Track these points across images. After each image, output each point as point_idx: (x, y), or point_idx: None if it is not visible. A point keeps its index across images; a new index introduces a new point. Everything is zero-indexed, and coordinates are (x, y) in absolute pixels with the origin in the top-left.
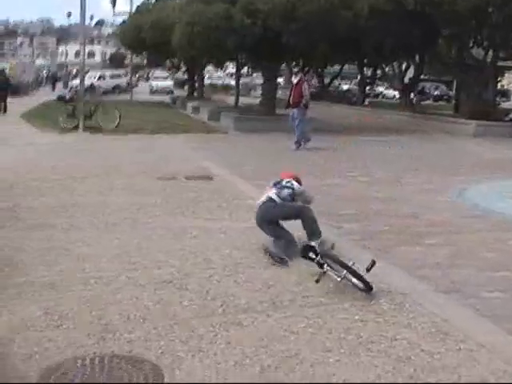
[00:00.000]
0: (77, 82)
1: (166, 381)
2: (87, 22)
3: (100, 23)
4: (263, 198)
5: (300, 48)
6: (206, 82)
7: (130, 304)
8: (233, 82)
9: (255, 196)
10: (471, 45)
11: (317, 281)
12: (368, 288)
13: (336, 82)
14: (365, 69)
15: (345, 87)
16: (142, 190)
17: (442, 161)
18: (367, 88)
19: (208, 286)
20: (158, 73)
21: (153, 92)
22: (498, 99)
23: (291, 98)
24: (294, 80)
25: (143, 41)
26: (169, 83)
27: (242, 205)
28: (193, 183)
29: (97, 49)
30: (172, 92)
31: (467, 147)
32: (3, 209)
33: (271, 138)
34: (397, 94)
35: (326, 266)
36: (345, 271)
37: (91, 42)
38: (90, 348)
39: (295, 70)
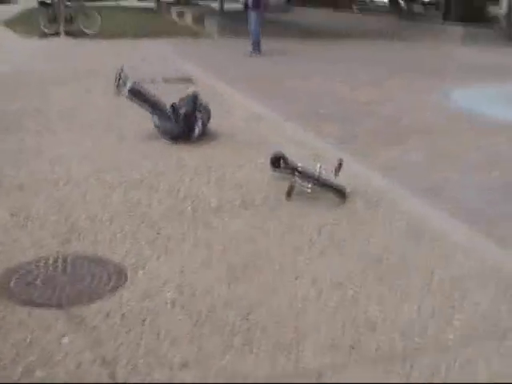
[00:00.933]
0: None
1: (128, 280)
2: None
3: None
4: None
5: None
6: None
7: (98, 205)
8: None
9: (235, 98)
10: None
11: (288, 193)
12: (340, 193)
13: None
14: None
15: None
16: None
17: (428, 64)
18: None
19: (179, 185)
20: None
21: None
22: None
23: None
24: None
25: None
26: None
27: (221, 106)
28: (171, 86)
29: None
30: None
31: (455, 52)
32: None
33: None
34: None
35: (294, 178)
36: (310, 184)
37: None
38: (54, 248)
39: None
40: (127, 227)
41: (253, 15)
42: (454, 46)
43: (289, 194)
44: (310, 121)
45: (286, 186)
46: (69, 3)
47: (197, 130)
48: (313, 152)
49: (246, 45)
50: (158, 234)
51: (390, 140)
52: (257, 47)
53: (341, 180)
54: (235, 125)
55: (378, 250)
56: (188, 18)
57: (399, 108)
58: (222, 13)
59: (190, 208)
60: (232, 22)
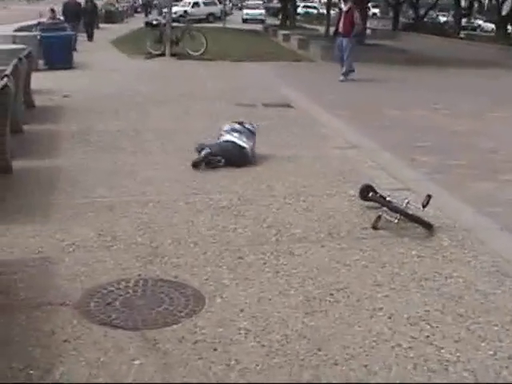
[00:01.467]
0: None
1: (205, 306)
2: None
3: None
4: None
5: None
6: (301, 10)
7: (184, 228)
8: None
9: (331, 125)
10: None
11: (373, 227)
12: (427, 227)
13: (433, 14)
14: (462, 0)
15: (442, 19)
16: (218, 115)
17: None
18: (464, 20)
19: (266, 213)
20: (251, 1)
21: (244, 20)
22: None
23: (341, 27)
24: (344, 7)
25: None
26: (261, 11)
27: (316, 133)
28: (270, 110)
29: None
30: (263, 21)
31: None
32: (77, 131)
33: (359, 67)
34: (494, 27)
35: (382, 209)
36: (398, 215)
37: None
38: (136, 271)
39: None
40: (210, 252)
41: (344, 42)
42: None
43: (375, 225)
44: (405, 151)
45: (373, 216)
46: (175, 24)
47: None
48: (404, 183)
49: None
50: (239, 260)
51: (485, 174)
52: (348, 75)
53: (429, 213)
54: (329, 152)
55: (459, 288)
56: (293, 42)
57: (499, 141)
58: (327, 37)
59: (274, 237)
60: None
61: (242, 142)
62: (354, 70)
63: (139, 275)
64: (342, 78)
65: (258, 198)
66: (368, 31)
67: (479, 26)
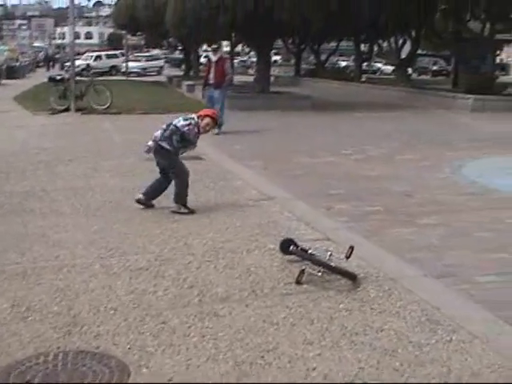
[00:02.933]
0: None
1: (130, 380)
2: (85, 2)
3: (98, 4)
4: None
5: (293, 24)
6: (204, 60)
7: (102, 294)
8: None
9: (243, 177)
10: (468, 18)
11: (297, 282)
12: (352, 278)
13: (334, 59)
14: (361, 45)
15: (342, 64)
16: (129, 171)
17: (438, 136)
18: (364, 64)
19: (186, 273)
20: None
21: (127, 74)
22: (496, 73)
23: (212, 78)
24: (214, 57)
25: (137, 21)
26: (155, 63)
27: (229, 186)
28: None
29: (94, 30)
30: (159, 72)
31: (465, 122)
32: None
33: (265, 115)
34: (394, 69)
35: (304, 263)
36: (321, 269)
37: (89, 23)
38: (54, 343)
39: (214, 46)
40: (131, 319)
41: (216, 94)
42: (463, 116)
43: (299, 279)
44: (320, 200)
45: (296, 271)
46: (79, 78)
47: None
48: (323, 233)
49: (257, 119)
50: (163, 325)
51: (402, 220)
52: (221, 128)
53: (352, 264)
54: (245, 205)
55: (392, 341)
56: (198, 92)
57: (411, 184)
58: (232, 86)
59: (196, 298)
60: (241, 97)
61: None
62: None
63: (58, 348)
64: (216, 130)
65: (176, 256)
66: (271, 78)
67: (379, 69)
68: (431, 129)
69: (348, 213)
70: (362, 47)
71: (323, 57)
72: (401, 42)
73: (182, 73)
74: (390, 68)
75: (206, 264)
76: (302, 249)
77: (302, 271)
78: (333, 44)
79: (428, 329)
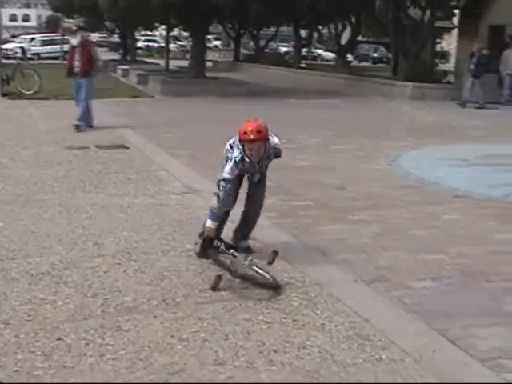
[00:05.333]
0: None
1: None
2: None
3: None
4: None
5: (229, 7)
6: (142, 45)
7: None
8: (172, 45)
9: (168, 167)
10: (408, 5)
11: (213, 288)
12: (275, 288)
13: (274, 45)
14: (302, 31)
15: (283, 49)
16: (47, 161)
17: (375, 125)
18: (304, 50)
19: (92, 278)
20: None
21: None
22: (436, 61)
23: (78, 65)
24: (74, 41)
25: (73, 3)
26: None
27: (152, 177)
28: (104, 153)
29: (32, 12)
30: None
31: (403, 110)
32: None
33: (199, 101)
34: (334, 55)
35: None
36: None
37: (28, 5)
38: None
39: (73, 28)
40: (23, 334)
41: (83, 84)
42: (402, 104)
43: (215, 286)
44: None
45: (213, 276)
46: (5, 61)
47: None
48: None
49: (187, 105)
50: (58, 342)
51: (334, 215)
52: (85, 121)
53: (277, 267)
54: (166, 199)
55: (314, 361)
56: (132, 77)
57: (345, 176)
58: (168, 71)
59: (100, 308)
60: (175, 82)
61: None
62: (91, 117)
63: None
64: (77, 123)
65: (83, 259)
66: (210, 64)
67: (319, 55)
68: (369, 117)
69: (276, 208)
70: (303, 33)
71: (263, 42)
72: (341, 28)
73: (118, 57)
74: (330, 54)
75: (115, 268)
76: (221, 250)
77: (219, 276)
78: (273, 29)
79: (356, 345)
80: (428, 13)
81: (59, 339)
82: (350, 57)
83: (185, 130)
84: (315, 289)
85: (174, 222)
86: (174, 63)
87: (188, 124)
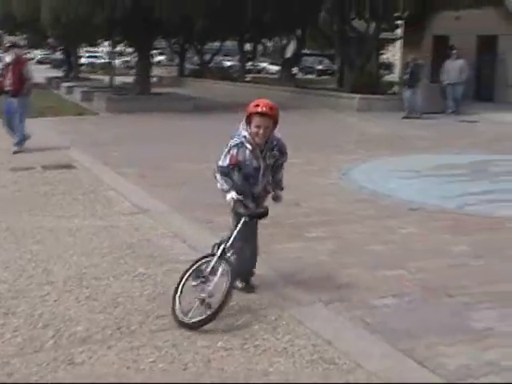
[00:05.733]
0: None
1: None
2: None
3: None
4: None
5: (173, 23)
6: (86, 61)
7: None
8: (117, 61)
9: (117, 187)
10: (353, 17)
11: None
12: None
13: (219, 59)
14: (247, 45)
15: (228, 63)
16: None
17: (324, 138)
18: (249, 64)
19: (42, 307)
20: None
21: None
22: (381, 72)
23: (9, 84)
24: (7, 58)
25: (14, 19)
26: None
27: (101, 198)
28: (50, 173)
29: None
30: None
31: (351, 122)
32: None
33: (145, 118)
34: (278, 69)
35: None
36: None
37: None
38: None
39: (7, 44)
40: None
41: (15, 103)
42: (349, 116)
43: (174, 310)
44: (199, 211)
45: (168, 300)
46: None
47: None
48: (202, 253)
49: (133, 121)
50: (5, 378)
51: (289, 232)
52: (22, 144)
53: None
54: (116, 220)
55: None
56: (77, 94)
57: (298, 191)
58: (112, 87)
59: (51, 340)
60: (120, 99)
61: None
62: (28, 137)
63: None
64: (15, 148)
65: (32, 286)
66: (155, 79)
67: (264, 68)
68: (317, 130)
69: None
70: (248, 47)
71: (208, 57)
72: (285, 41)
73: (62, 74)
74: (275, 68)
75: (65, 295)
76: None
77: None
78: (217, 43)
79: (321, 369)
80: (373, 24)
81: (9, 374)
82: (294, 70)
83: (132, 148)
84: (275, 311)
85: (124, 245)
86: (119, 79)
87: (135, 141)
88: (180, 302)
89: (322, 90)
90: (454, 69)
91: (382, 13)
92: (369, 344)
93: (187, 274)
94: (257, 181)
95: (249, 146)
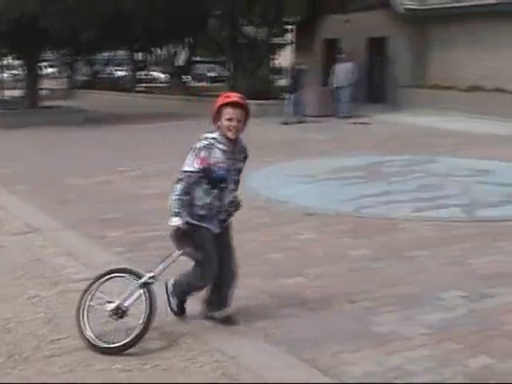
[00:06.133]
0: None
1: None
2: None
3: None
4: None
5: (61, 34)
6: None
7: None
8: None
9: (7, 205)
10: (243, 23)
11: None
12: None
13: (111, 69)
14: (139, 54)
15: (120, 74)
16: None
17: None
18: (142, 73)
19: None
20: None
21: None
22: (273, 77)
23: None
24: None
25: None
26: None
27: None
28: None
29: None
30: None
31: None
32: None
33: (35, 133)
34: (165, 76)
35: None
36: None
37: None
38: None
39: None
40: None
41: None
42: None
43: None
44: (92, 227)
45: (67, 322)
46: None
47: None
48: (97, 270)
49: (23, 137)
50: None
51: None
52: None
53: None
54: (6, 241)
55: None
56: None
57: None
58: (0, 102)
59: None
60: (6, 114)
61: None
62: None
63: None
64: None
65: None
66: (45, 92)
67: (155, 77)
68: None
69: (124, 241)
70: (140, 56)
71: (99, 67)
72: (176, 49)
73: None
74: (167, 76)
75: None
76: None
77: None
78: (108, 53)
79: None
80: (263, 30)
81: None
82: (187, 77)
83: (22, 164)
84: (175, 329)
85: (16, 266)
86: (7, 93)
87: (25, 157)
88: (89, 325)
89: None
90: (342, 72)
91: (273, 18)
92: (272, 356)
93: (90, 294)
94: (226, 187)
95: (220, 145)
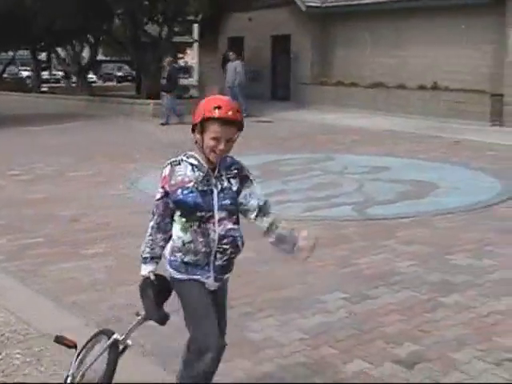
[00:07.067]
0: None
1: None
2: None
3: None
4: None
5: None
6: None
7: None
8: None
9: None
10: (146, 21)
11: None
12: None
13: (15, 69)
14: (42, 53)
15: (25, 74)
16: None
17: (116, 147)
18: (46, 73)
19: None
20: None
21: None
22: (179, 76)
23: None
24: None
25: None
26: None
27: None
28: None
29: None
30: None
31: (145, 129)
32: None
33: None
34: (74, 77)
35: None
36: None
37: None
38: None
39: None
40: None
41: None
42: (145, 122)
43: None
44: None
45: None
46: None
47: None
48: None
49: None
50: None
51: (66, 251)
52: None
53: None
54: None
55: None
56: None
57: (81, 206)
58: None
59: None
60: None
61: None
62: None
63: None
64: None
65: None
66: None
67: (60, 77)
68: (110, 139)
69: (3, 249)
70: (43, 55)
71: (2, 67)
72: (79, 48)
73: None
74: (72, 76)
75: None
76: None
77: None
78: (11, 53)
79: None
80: (165, 28)
81: None
82: (93, 77)
83: None
84: (41, 341)
85: None
86: None
87: None
88: None
89: (119, 98)
90: (231, 72)
91: (174, 16)
92: (143, 366)
93: None
94: (211, 216)
95: (191, 159)
